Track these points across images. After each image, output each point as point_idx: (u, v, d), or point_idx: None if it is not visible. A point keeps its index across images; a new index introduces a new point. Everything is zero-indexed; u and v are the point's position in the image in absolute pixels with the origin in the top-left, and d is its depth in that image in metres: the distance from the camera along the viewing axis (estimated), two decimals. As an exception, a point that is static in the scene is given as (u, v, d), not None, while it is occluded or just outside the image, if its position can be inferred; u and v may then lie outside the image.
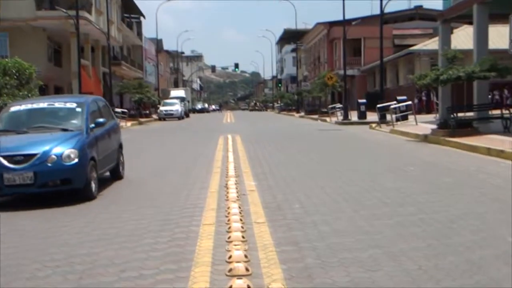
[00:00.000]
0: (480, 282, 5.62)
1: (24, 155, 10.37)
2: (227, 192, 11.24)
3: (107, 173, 13.46)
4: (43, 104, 12.85)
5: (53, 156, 10.39)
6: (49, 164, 10.34)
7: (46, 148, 10.49)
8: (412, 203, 9.77)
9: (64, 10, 40.98)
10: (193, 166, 16.54)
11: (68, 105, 12.48)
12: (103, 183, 12.56)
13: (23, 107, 12.71)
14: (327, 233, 7.80)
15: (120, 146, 14.37)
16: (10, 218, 9.65)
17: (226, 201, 10.32)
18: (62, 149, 10.55)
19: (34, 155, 10.35)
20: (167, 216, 9.28)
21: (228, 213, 9.22)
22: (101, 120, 12.15)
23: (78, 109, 12.09)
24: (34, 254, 7.15)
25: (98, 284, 5.94)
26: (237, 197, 10.71)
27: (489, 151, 17.03)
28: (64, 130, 11.52)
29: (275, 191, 11.49)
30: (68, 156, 10.47)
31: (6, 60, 22.89)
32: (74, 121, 11.87)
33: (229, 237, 7.63)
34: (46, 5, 46.07)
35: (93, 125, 11.71)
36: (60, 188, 10.70)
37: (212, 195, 11.10)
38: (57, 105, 12.67)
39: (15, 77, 21.79)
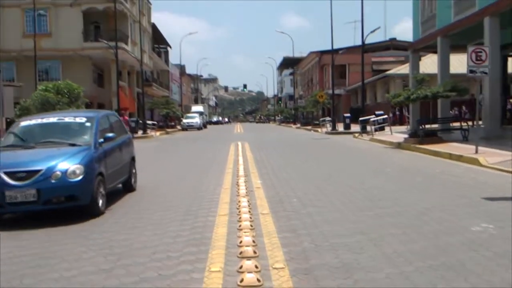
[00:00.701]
0: (445, 263, 5.56)
1: (27, 171, 8.54)
2: (238, 189, 11.21)
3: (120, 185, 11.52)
4: (53, 119, 10.89)
5: (58, 172, 8.57)
6: (53, 181, 8.50)
7: (51, 164, 8.70)
8: (389, 198, 9.72)
9: (106, 42, 41.10)
10: (210, 167, 16.49)
11: (78, 120, 10.59)
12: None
13: (33, 122, 10.81)
14: (320, 222, 7.76)
15: (133, 159, 12.40)
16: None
17: (237, 196, 10.28)
18: (67, 165, 8.74)
19: (38, 171, 8.53)
20: (189, 208, 9.26)
21: (239, 206, 9.19)
22: (110, 134, 10.33)
23: (88, 124, 10.30)
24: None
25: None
26: (246, 193, 10.67)
27: (450, 156, 16.97)
28: (72, 145, 9.69)
29: (277, 188, 11.43)
30: (73, 172, 8.66)
31: (59, 82, 22.95)
32: (83, 136, 10.03)
33: (239, 226, 7.59)
34: (91, 37, 46.37)
35: (102, 139, 9.94)
36: (65, 205, 8.79)
37: (225, 191, 11.04)
38: (67, 120, 10.72)
39: (66, 96, 21.84)
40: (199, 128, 61.10)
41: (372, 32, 39.59)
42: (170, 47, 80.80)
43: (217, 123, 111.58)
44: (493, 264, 5.53)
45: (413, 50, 31.15)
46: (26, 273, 5.76)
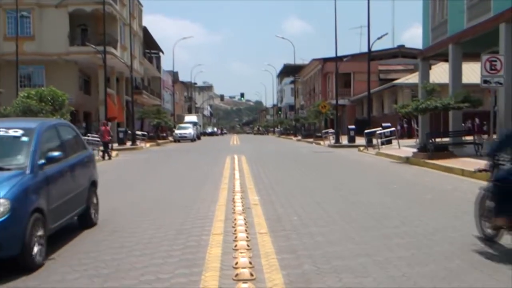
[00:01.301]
0: (457, 288, 5.57)
1: None
2: (234, 206, 11.19)
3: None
4: None
5: None
6: None
7: None
8: (396, 217, 9.72)
9: (93, 46, 41.18)
10: (204, 182, 16.45)
11: (12, 132, 7.93)
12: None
13: None
14: (322, 243, 7.75)
15: (93, 184, 9.94)
16: None
17: (233, 214, 10.25)
18: None
19: None
20: (181, 226, 9.22)
21: (235, 224, 9.16)
22: (55, 154, 7.81)
23: (24, 139, 7.73)
24: None
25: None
26: (243, 210, 10.64)
27: (463, 172, 16.99)
28: None
29: (276, 205, 11.42)
30: None
31: (42, 88, 22.97)
32: (15, 156, 7.53)
33: (235, 246, 7.57)
34: (78, 41, 46.50)
35: (43, 161, 7.49)
36: None
37: (220, 208, 11.01)
38: None
39: (50, 103, 21.85)
40: (193, 140, 61.08)
41: (379, 38, 39.59)
42: (163, 52, 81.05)
43: (211, 134, 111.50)
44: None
45: (422, 58, 31.27)
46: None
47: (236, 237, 8.13)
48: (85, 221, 9.34)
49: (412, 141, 33.87)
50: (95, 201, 9.81)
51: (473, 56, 26.61)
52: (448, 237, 7.94)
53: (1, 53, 43.81)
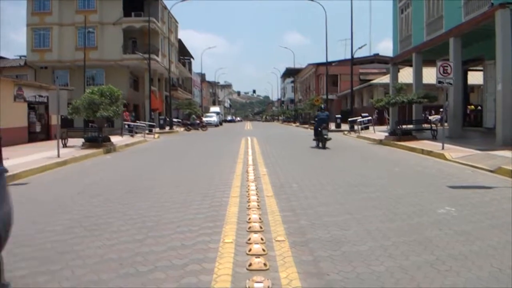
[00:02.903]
0: (416, 239, 5.56)
1: None
2: (248, 175, 11.22)
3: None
4: None
5: None
6: None
7: None
8: (372, 185, 9.70)
9: (141, 54, 41.18)
10: (224, 157, 16.50)
11: None
12: None
13: None
14: (315, 204, 7.76)
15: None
16: None
17: (246, 181, 10.28)
18: None
19: None
20: (207, 191, 9.26)
21: (248, 189, 9.20)
22: None
23: None
24: None
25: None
26: (254, 179, 10.67)
27: (422, 151, 16.92)
28: None
29: (279, 175, 11.43)
30: None
31: (103, 86, 22.95)
32: None
33: (248, 205, 7.60)
34: (129, 50, 46.42)
35: None
36: None
37: (237, 177, 11.05)
38: None
39: (108, 97, 21.85)
40: (216, 125, 61.10)
41: (359, 48, 39.74)
42: (193, 58, 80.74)
43: (231, 121, 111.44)
44: (453, 240, 5.53)
45: (393, 63, 31.01)
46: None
47: (249, 199, 8.16)
48: None
49: (384, 128, 33.69)
50: None
51: (430, 62, 26.34)
52: (411, 201, 7.91)
53: (73, 60, 44.00)
